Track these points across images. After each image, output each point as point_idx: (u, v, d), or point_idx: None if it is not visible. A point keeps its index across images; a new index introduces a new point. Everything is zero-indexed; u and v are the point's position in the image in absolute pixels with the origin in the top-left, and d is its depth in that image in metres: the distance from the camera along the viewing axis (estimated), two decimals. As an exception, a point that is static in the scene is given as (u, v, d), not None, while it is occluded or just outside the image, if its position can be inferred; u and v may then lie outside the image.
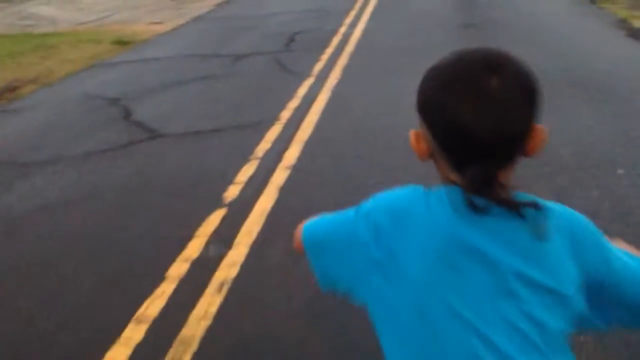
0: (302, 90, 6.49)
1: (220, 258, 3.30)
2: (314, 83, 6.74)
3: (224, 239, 3.50)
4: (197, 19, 12.45)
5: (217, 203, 3.94)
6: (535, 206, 0.89)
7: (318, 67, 7.46)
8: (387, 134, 4.93)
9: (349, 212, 1.03)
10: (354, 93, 6.33)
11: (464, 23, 9.50)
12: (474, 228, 0.89)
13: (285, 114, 5.69)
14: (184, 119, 5.84)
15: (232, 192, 4.10)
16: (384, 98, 6.04)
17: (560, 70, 6.22)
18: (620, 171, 3.91)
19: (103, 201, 4.18)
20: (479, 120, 0.87)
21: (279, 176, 4.28)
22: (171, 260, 3.30)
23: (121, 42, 10.02)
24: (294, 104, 5.99)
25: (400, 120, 5.39)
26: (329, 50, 8.24)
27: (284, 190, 4.06)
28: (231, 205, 3.91)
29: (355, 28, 9.62)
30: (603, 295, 0.95)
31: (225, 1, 14.75)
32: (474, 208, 0.87)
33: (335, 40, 8.94)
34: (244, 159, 4.63)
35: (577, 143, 4.41)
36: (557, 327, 0.89)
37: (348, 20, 10.49)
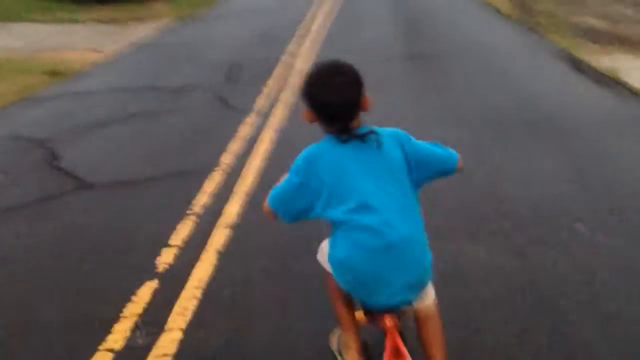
0: (245, 129, 6.15)
1: (150, 346, 2.91)
2: (257, 120, 6.41)
3: (155, 320, 3.11)
4: (137, 46, 11.95)
5: (148, 272, 3.54)
6: (372, 132, 1.87)
7: (261, 101, 7.15)
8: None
9: (288, 178, 1.96)
10: (299, 132, 6.01)
11: (409, 54, 9.37)
12: (345, 149, 1.85)
13: (226, 159, 5.33)
14: (115, 165, 5.41)
15: (165, 257, 3.71)
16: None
17: (513, 109, 6.11)
18: (579, 225, 3.73)
19: (11, 272, 3.71)
20: (334, 99, 1.82)
21: (218, 237, 3.92)
22: (92, 350, 2.89)
23: (53, 73, 9.44)
24: (235, 145, 5.64)
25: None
26: (272, 83, 7.94)
27: (223, 255, 3.70)
28: (164, 275, 3.52)
29: (300, 57, 9.36)
30: (419, 166, 1.94)
31: (167, 27, 14.30)
32: (342, 141, 1.85)
33: (280, 71, 8.65)
34: (180, 216, 4.25)
35: (534, 192, 4.23)
36: (410, 184, 1.88)
37: (293, 48, 10.23)
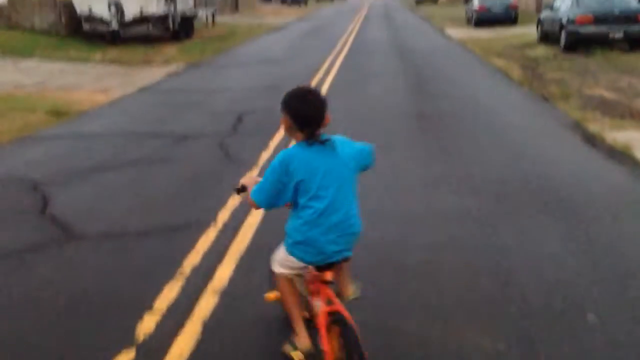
0: (245, 184, 5.94)
1: None
2: (259, 175, 6.20)
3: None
4: (143, 89, 11.92)
5: (127, 340, 3.27)
6: (329, 140, 2.54)
7: (265, 156, 6.96)
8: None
9: (266, 177, 2.58)
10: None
11: (418, 113, 9.25)
12: (311, 152, 2.50)
13: (223, 215, 5.10)
14: (107, 215, 5.18)
15: (147, 324, 3.43)
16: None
17: (520, 180, 5.88)
18: (590, 316, 3.45)
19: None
20: (308, 112, 2.48)
21: (206, 304, 3.65)
22: None
23: (57, 113, 9.35)
24: (234, 201, 5.41)
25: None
26: (277, 136, 7.77)
27: (209, 325, 3.42)
28: (143, 345, 3.24)
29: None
30: (357, 162, 2.67)
31: (175, 72, 14.34)
32: (309, 144, 2.51)
33: (286, 123, 8.51)
34: (169, 276, 3.99)
35: (542, 276, 3.96)
36: (353, 178, 2.64)
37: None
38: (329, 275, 2.79)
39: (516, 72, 13.24)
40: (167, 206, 5.42)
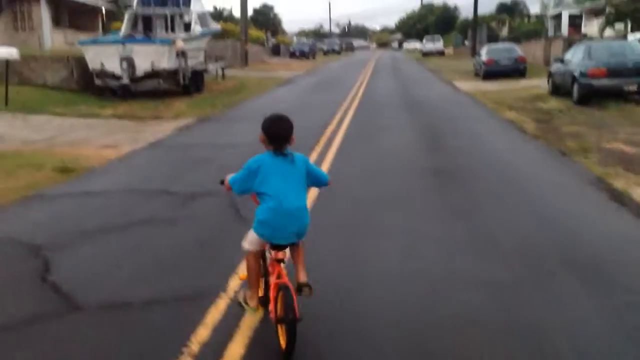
0: (257, 246, 5.64)
1: None
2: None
3: None
4: (154, 144, 11.78)
5: None
6: (290, 154, 3.60)
7: (277, 214, 6.68)
8: (353, 308, 4.08)
9: (243, 170, 3.64)
10: (315, 256, 5.52)
11: (433, 168, 9.01)
12: (276, 160, 3.56)
13: (235, 282, 4.79)
14: (111, 282, 4.88)
15: (150, 413, 3.09)
16: (350, 264, 5.24)
17: (548, 242, 5.56)
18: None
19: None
20: (278, 132, 3.57)
21: (216, 388, 3.31)
22: None
23: (64, 170, 9.16)
24: (245, 267, 5.10)
25: (368, 293, 4.58)
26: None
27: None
28: None
29: (319, 167, 9.00)
30: (310, 177, 3.74)
31: (185, 126, 14.25)
32: (275, 155, 3.57)
33: (298, 180, 8.26)
34: (174, 354, 3.66)
35: (575, 344, 3.61)
36: (304, 183, 3.69)
37: (313, 156, 9.94)
38: (281, 255, 3.77)
39: (530, 125, 13.05)
40: (174, 272, 5.12)
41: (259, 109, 17.82)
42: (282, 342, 3.58)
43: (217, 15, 56.71)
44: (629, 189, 7.29)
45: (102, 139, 12.41)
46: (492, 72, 26.62)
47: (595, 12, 44.71)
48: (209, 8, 50.96)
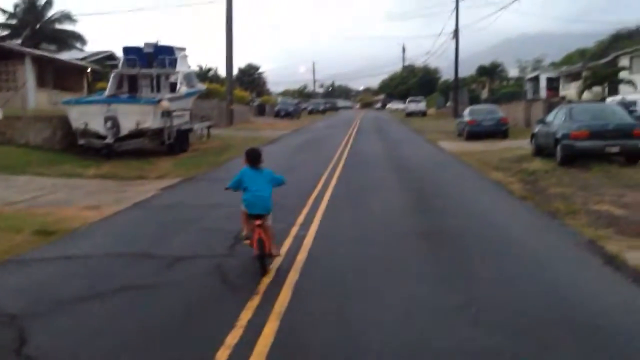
0: (246, 315, 5.40)
1: None
2: (261, 305, 5.68)
3: None
4: (137, 205, 11.56)
5: None
6: (261, 168, 6.94)
7: (266, 279, 6.47)
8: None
9: (236, 177, 6.98)
10: (307, 323, 5.30)
11: (422, 231, 8.88)
12: (251, 171, 6.91)
13: (222, 355, 4.54)
14: (88, 356, 4.60)
15: None
16: (344, 330, 5.01)
17: (545, 309, 5.41)
18: None
19: None
20: (253, 158, 6.95)
21: None
22: None
23: (45, 232, 8.90)
24: (233, 337, 4.87)
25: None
26: (278, 259, 7.30)
27: None
28: None
29: (307, 230, 8.84)
30: (273, 181, 7.04)
31: (170, 186, 14.07)
32: (251, 168, 6.92)
33: (287, 243, 8.07)
34: None
35: None
36: (269, 187, 6.91)
37: (300, 218, 9.78)
38: (257, 221, 6.62)
39: (517, 186, 13.07)
40: (156, 345, 4.85)
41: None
42: (261, 270, 6.68)
43: (203, 74, 57.36)
44: (622, 252, 7.19)
45: (85, 199, 12.16)
46: (475, 133, 26.98)
47: (572, 76, 46.05)
48: (195, 68, 51.54)
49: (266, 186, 6.80)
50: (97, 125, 19.04)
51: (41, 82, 29.46)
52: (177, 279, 6.69)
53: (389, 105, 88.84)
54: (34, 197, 12.31)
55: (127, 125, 19.17)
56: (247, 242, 6.89)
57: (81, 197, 12.44)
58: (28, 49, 29.48)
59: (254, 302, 5.77)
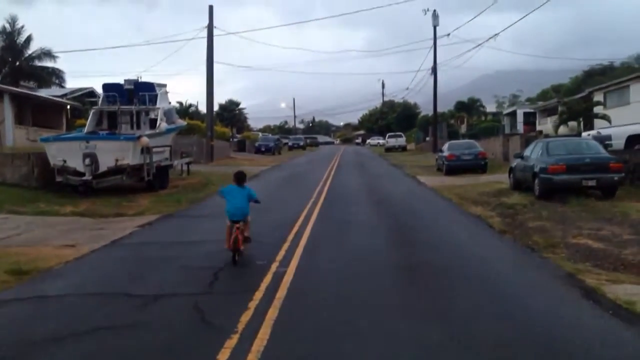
0: (224, 355, 5.28)
1: None
2: (239, 344, 5.57)
3: None
4: (115, 243, 11.39)
5: None
6: (244, 186, 9.76)
7: (245, 317, 6.36)
8: None
9: (224, 190, 9.92)
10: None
11: (403, 265, 8.86)
12: (235, 188, 9.74)
13: (199, 398, 4.42)
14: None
15: None
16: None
17: (527, 344, 5.39)
18: None
19: None
20: (239, 178, 9.86)
21: None
22: None
23: (18, 272, 8.71)
24: (211, 381, 4.74)
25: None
26: (258, 295, 7.22)
27: None
28: None
29: (287, 267, 8.75)
30: (249, 197, 9.74)
31: (149, 223, 13.92)
32: (237, 185, 9.74)
33: (267, 280, 7.98)
34: None
35: None
36: (246, 200, 9.63)
37: (280, 254, 9.69)
38: (236, 225, 9.16)
39: (496, 220, 13.15)
40: (133, 387, 4.71)
41: (224, 205, 17.57)
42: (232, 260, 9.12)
43: (184, 110, 57.51)
44: (601, 286, 7.23)
45: (61, 238, 11.97)
46: (454, 168, 27.23)
47: (548, 110, 46.93)
48: (176, 104, 51.68)
49: (244, 200, 9.56)
50: (76, 162, 18.86)
51: (20, 119, 29.29)
52: (155, 319, 6.55)
53: (368, 141, 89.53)
54: (8, 236, 12.08)
55: (106, 162, 19.02)
56: (227, 246, 9.33)
57: (57, 236, 12.24)
58: (6, 87, 29.33)
59: (233, 341, 5.65)
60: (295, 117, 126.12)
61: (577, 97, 38.45)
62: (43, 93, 36.27)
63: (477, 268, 8.61)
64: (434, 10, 49.49)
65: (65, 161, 18.90)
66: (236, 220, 9.26)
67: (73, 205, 16.67)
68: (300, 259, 9.38)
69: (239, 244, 9.13)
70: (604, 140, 20.04)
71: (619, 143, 20.42)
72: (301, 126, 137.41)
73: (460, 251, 9.87)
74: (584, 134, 24.25)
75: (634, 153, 18.30)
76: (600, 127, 26.39)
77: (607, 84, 35.24)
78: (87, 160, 18.71)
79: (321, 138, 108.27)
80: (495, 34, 36.64)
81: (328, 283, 7.99)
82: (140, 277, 8.52)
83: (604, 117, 29.59)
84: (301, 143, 77.09)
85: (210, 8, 39.31)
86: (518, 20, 35.49)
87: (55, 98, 34.54)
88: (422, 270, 8.53)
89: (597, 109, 32.35)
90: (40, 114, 31.50)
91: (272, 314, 6.48)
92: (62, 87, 43.85)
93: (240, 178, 9.72)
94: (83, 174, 18.81)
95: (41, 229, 13.11)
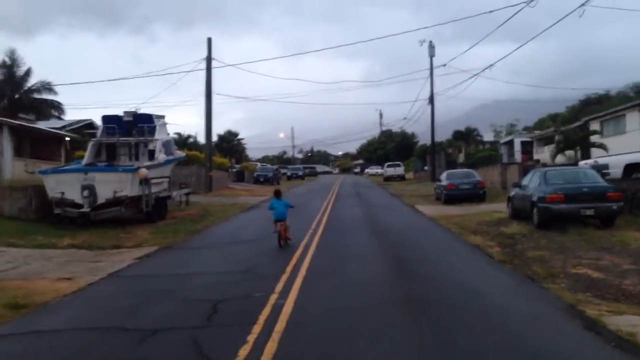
0: (222, 392, 5.23)
1: None
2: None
3: None
4: (112, 275, 11.32)
5: None
6: (281, 198, 15.10)
7: (243, 352, 6.29)
8: None
9: (270, 204, 14.99)
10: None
11: (403, 298, 8.78)
12: (276, 200, 14.83)
13: None
14: None
15: None
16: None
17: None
18: None
19: None
20: (276, 194, 15.70)
21: None
22: None
23: (15, 306, 8.63)
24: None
25: None
26: (256, 328, 7.15)
27: None
28: None
29: (286, 299, 8.69)
30: (286, 206, 14.97)
31: (147, 255, 13.85)
32: (276, 198, 15.01)
33: (265, 312, 7.91)
34: None
35: None
36: (284, 207, 14.64)
37: (279, 286, 9.62)
38: (280, 223, 14.26)
39: (495, 249, 13.12)
40: None
41: (223, 236, 17.60)
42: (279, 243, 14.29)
43: (183, 141, 57.66)
44: (602, 317, 7.18)
45: (58, 270, 11.90)
46: (453, 197, 27.26)
47: (545, 139, 47.18)
48: (174, 135, 51.88)
49: (283, 207, 14.47)
50: (74, 194, 18.85)
51: (19, 152, 29.32)
52: (152, 354, 6.49)
53: (367, 170, 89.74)
54: (5, 270, 12.00)
55: (104, 193, 19.01)
56: (275, 232, 14.27)
57: (55, 269, 12.17)
58: (5, 119, 29.42)
59: (231, 376, 5.58)
60: (293, 147, 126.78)
61: (574, 126, 38.67)
62: (42, 125, 36.39)
63: (478, 300, 8.54)
64: (430, 41, 50.14)
65: (63, 193, 18.88)
66: (279, 219, 14.31)
67: (71, 238, 16.60)
68: (299, 291, 9.31)
69: (283, 234, 14.31)
70: (601, 169, 20.10)
71: (616, 172, 20.48)
72: (300, 156, 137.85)
73: (460, 283, 9.81)
74: (581, 163, 24.34)
75: (632, 182, 18.35)
76: (597, 156, 26.50)
77: (603, 113, 35.50)
78: (86, 192, 18.69)
79: (320, 168, 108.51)
80: (491, 65, 36.88)
81: (327, 316, 7.92)
82: (138, 311, 8.44)
83: (601, 146, 29.73)
84: (300, 173, 77.21)
85: (209, 40, 39.75)
86: (513, 51, 36.07)
87: (54, 130, 34.66)
88: (421, 304, 8.45)
89: (594, 138, 32.53)
90: (39, 146, 31.58)
91: (271, 347, 6.42)
92: (61, 119, 44.01)
93: (277, 193, 15.40)
94: (81, 206, 18.77)
95: (38, 261, 13.03)
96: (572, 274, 9.97)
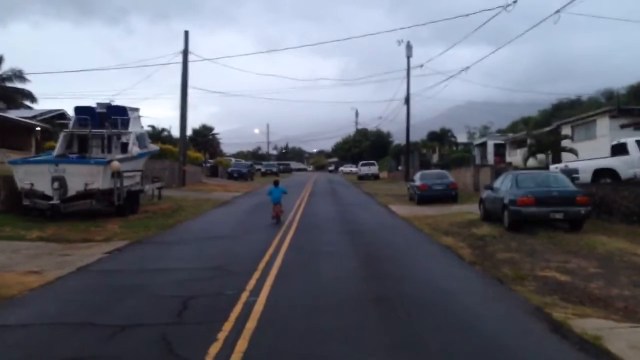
0: (190, 390, 5.20)
1: None
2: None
3: None
4: (81, 270, 11.18)
5: None
6: (279, 186, 20.58)
7: (213, 350, 6.26)
8: None
9: (268, 190, 20.59)
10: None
11: (374, 298, 8.83)
12: (274, 187, 20.28)
13: None
14: None
15: None
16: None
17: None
18: None
19: None
20: (275, 183, 21.33)
21: None
22: None
23: (-20, 299, 8.47)
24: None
25: None
26: (227, 325, 7.13)
27: None
28: None
29: (258, 296, 8.67)
30: (282, 191, 20.70)
31: (117, 249, 13.70)
32: (274, 186, 20.46)
33: (237, 310, 7.88)
34: None
35: None
36: (279, 193, 20.01)
37: (251, 283, 9.60)
38: (275, 205, 19.45)
39: (466, 251, 13.27)
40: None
41: (195, 232, 17.48)
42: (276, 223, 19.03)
43: (157, 134, 57.03)
44: (569, 320, 7.31)
45: (26, 264, 11.70)
46: (425, 197, 27.48)
47: (517, 142, 47.80)
48: (148, 128, 51.24)
49: (278, 193, 19.51)
50: (44, 185, 18.54)
51: (-13, 141, 28.75)
52: (120, 351, 6.41)
53: (341, 168, 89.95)
54: (-29, 261, 11.77)
55: (75, 185, 18.74)
56: (272, 217, 19.02)
57: (22, 262, 11.97)
58: (-25, 107, 28.89)
59: (200, 374, 5.56)
60: (268, 143, 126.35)
61: (546, 130, 39.26)
62: (12, 114, 35.71)
63: (447, 301, 8.62)
64: (408, 42, 50.39)
65: (33, 184, 18.57)
66: (275, 202, 19.20)
67: (40, 230, 16.34)
68: (271, 288, 9.30)
69: (278, 213, 19.14)
70: (571, 173, 20.45)
71: (585, 176, 20.86)
72: (275, 152, 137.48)
73: (431, 283, 9.90)
74: (552, 167, 24.73)
75: (600, 187, 18.72)
76: (568, 161, 26.96)
77: (575, 118, 36.10)
78: (56, 184, 18.41)
79: (294, 164, 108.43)
80: (467, 67, 37.19)
81: (299, 314, 7.93)
82: (107, 306, 8.35)
83: (572, 151, 30.24)
84: (274, 169, 77.11)
85: (186, 33, 39.43)
86: (489, 54, 36.37)
87: (24, 119, 34.06)
88: (392, 303, 8.50)
89: (565, 143, 33.07)
90: (9, 135, 31.01)
91: (242, 345, 6.40)
92: (32, 108, 43.24)
93: (276, 183, 20.65)
94: (51, 198, 18.48)
95: (5, 254, 12.80)
96: (540, 277, 10.14)
